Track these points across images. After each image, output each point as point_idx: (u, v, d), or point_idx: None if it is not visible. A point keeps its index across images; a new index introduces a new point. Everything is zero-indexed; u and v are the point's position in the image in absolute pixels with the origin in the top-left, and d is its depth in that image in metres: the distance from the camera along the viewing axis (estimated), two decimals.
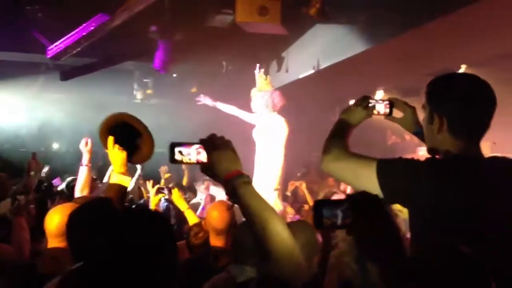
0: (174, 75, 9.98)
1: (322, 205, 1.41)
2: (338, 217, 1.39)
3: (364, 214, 1.39)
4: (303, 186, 6.85)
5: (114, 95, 10.51)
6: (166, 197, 5.78)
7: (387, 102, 2.23)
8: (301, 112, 8.72)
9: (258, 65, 6.12)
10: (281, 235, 1.43)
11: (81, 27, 6.86)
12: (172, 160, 1.55)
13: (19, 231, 3.79)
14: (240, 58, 8.61)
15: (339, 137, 2.07)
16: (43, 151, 11.95)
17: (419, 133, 2.19)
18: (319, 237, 2.42)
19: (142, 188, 6.96)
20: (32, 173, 5.61)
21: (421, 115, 2.01)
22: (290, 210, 6.02)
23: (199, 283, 2.51)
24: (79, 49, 7.11)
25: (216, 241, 3.28)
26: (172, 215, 5.52)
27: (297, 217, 5.80)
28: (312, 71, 7.69)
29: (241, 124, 6.38)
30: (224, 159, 1.53)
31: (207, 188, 7.35)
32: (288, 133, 5.96)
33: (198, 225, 3.81)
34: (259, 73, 6.06)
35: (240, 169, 1.53)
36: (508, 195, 1.77)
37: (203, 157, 1.54)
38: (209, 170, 1.55)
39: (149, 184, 5.72)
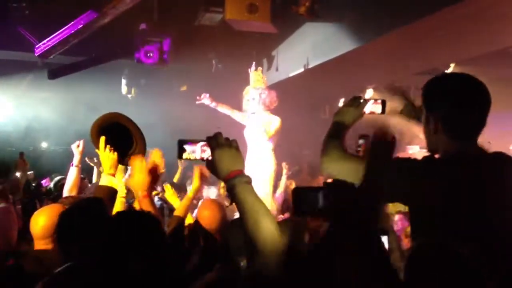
0: (164, 73, 9.93)
1: (301, 192, 1.45)
2: (315, 203, 1.44)
3: (339, 200, 1.43)
4: (292, 186, 6.84)
5: (103, 93, 10.42)
6: (160, 195, 5.72)
7: (379, 100, 2.23)
8: (291, 110, 8.71)
9: (254, 62, 6.11)
10: (270, 231, 1.46)
11: (69, 25, 6.79)
12: (180, 156, 1.60)
13: (3, 215, 3.67)
14: (229, 56, 8.59)
15: (336, 139, 2.08)
16: (31, 150, 11.85)
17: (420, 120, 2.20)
18: (307, 236, 2.41)
19: None
20: (20, 173, 5.55)
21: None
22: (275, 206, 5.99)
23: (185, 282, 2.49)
24: (67, 47, 7.04)
25: (204, 241, 3.27)
26: (166, 214, 5.47)
27: (287, 215, 5.79)
28: (302, 70, 7.69)
29: (233, 123, 6.37)
30: (227, 158, 1.56)
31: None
32: (279, 131, 5.97)
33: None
34: (254, 71, 6.05)
35: (242, 168, 1.57)
36: (505, 192, 1.78)
37: (207, 154, 1.58)
38: (212, 167, 1.58)
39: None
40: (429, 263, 1.38)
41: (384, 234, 1.81)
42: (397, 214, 5.10)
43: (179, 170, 8.42)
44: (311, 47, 7.44)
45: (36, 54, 7.37)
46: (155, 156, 2.71)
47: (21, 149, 7.58)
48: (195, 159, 1.62)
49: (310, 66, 7.50)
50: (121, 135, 2.83)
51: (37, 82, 9.49)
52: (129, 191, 3.11)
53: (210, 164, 1.59)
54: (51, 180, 6.85)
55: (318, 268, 1.45)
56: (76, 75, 8.58)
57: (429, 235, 1.71)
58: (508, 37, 5.55)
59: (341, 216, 1.43)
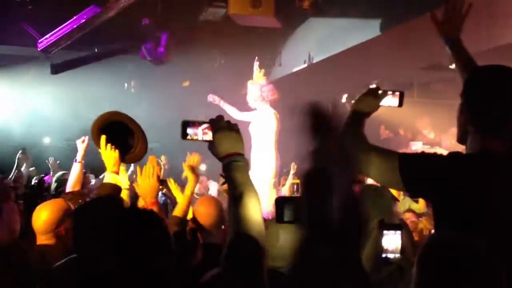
0: (167, 68, 9.92)
1: (282, 201, 1.52)
2: (296, 212, 1.50)
3: (314, 209, 1.45)
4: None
5: (106, 88, 10.41)
6: (164, 190, 5.70)
7: (397, 92, 2.20)
8: (295, 105, 8.69)
9: (256, 57, 6.09)
10: (252, 206, 1.51)
11: (72, 20, 6.78)
12: (184, 136, 1.67)
13: (10, 213, 3.71)
14: (233, 51, 8.56)
15: (357, 128, 2.05)
16: (34, 146, 11.86)
17: (449, 41, 2.26)
18: None
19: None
20: (23, 168, 5.55)
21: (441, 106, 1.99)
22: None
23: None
24: (70, 42, 7.03)
25: (207, 237, 3.25)
26: (170, 210, 5.45)
27: None
28: (305, 65, 7.66)
29: (235, 119, 6.35)
30: (227, 140, 1.61)
31: (202, 183, 7.28)
32: (279, 126, 5.96)
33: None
34: (256, 66, 6.05)
35: (241, 151, 1.61)
36: None
37: (209, 136, 1.64)
38: (212, 148, 1.63)
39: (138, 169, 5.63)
40: (444, 255, 1.37)
41: (399, 229, 1.80)
42: (407, 212, 5.10)
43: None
44: (314, 42, 7.41)
45: (38, 49, 7.36)
46: (152, 162, 2.70)
47: (24, 145, 7.59)
48: (197, 140, 1.67)
49: (313, 61, 7.47)
50: (121, 133, 2.82)
51: (40, 76, 9.49)
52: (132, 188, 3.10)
53: (211, 145, 1.64)
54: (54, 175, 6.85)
55: None
56: (78, 70, 8.58)
57: (451, 230, 1.69)
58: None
59: (316, 226, 1.45)
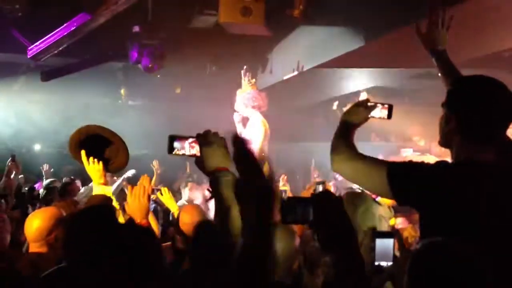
0: (158, 75, 9.91)
1: (291, 202, 1.51)
2: (304, 214, 1.48)
3: (324, 211, 1.47)
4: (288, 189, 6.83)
5: (96, 96, 10.40)
6: (154, 197, 5.70)
7: (386, 105, 2.25)
8: (285, 113, 8.72)
9: (245, 66, 6.10)
10: (238, 219, 1.50)
11: (62, 27, 6.75)
12: (170, 151, 1.67)
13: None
14: (223, 59, 8.58)
15: (346, 138, 2.09)
16: (24, 152, 11.78)
17: (434, 53, 2.35)
18: (297, 240, 2.42)
19: (126, 190, 6.86)
20: (12, 176, 5.50)
21: (432, 113, 2.02)
22: None
23: None
24: (60, 49, 7.00)
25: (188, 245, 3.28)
26: (160, 217, 5.45)
27: None
28: (296, 73, 7.69)
29: (227, 126, 6.35)
30: (215, 155, 1.62)
31: (191, 190, 7.28)
32: (266, 133, 5.98)
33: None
34: (244, 76, 6.06)
35: (228, 166, 1.62)
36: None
37: (196, 150, 1.65)
38: (199, 163, 1.65)
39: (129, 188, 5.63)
40: (433, 261, 1.38)
41: (391, 237, 1.82)
42: (399, 217, 5.11)
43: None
44: (305, 50, 7.45)
45: (28, 56, 7.33)
46: (144, 182, 2.69)
47: (13, 151, 7.54)
48: (184, 155, 1.67)
49: (304, 69, 7.51)
50: (100, 145, 2.84)
51: (30, 84, 9.45)
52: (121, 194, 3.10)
53: (198, 160, 1.65)
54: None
55: None
56: (69, 77, 8.54)
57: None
58: (500, 41, 5.59)
59: (327, 229, 1.47)
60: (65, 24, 6.71)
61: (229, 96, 6.24)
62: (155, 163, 7.95)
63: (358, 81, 8.26)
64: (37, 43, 7.11)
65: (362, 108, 2.20)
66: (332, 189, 6.32)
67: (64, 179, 6.45)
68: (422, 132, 8.12)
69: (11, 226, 3.89)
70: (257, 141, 5.91)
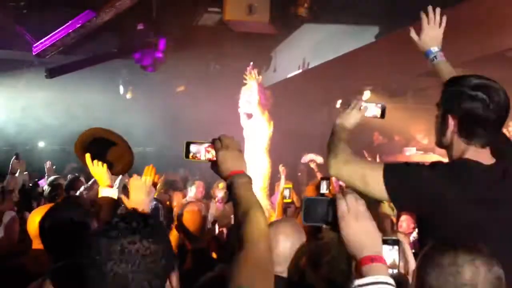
0: (161, 73, 9.93)
1: (312, 202, 1.49)
2: (325, 214, 1.47)
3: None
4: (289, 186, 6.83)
5: (100, 93, 10.41)
6: (155, 195, 5.71)
7: (379, 104, 2.27)
8: (289, 111, 8.71)
9: (251, 63, 6.12)
10: (259, 222, 1.51)
11: (67, 24, 6.77)
12: (187, 156, 1.71)
13: (10, 221, 3.81)
14: (227, 57, 8.59)
15: (342, 141, 2.09)
16: (28, 149, 11.82)
17: (430, 54, 2.34)
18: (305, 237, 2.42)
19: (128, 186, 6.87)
20: (17, 174, 5.53)
21: (435, 112, 2.01)
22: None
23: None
24: (65, 46, 7.02)
25: (193, 243, 3.32)
26: (161, 214, 5.45)
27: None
28: (300, 71, 7.69)
29: (230, 124, 6.36)
30: (230, 159, 1.64)
31: (198, 187, 7.29)
32: (271, 132, 5.99)
33: None
34: (249, 72, 6.08)
35: (244, 169, 1.64)
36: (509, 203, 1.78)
37: (211, 155, 1.69)
38: (216, 167, 1.67)
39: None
40: (442, 261, 1.39)
41: (396, 244, 1.82)
42: (402, 215, 5.10)
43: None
44: (309, 48, 7.45)
45: (34, 53, 7.35)
46: (148, 173, 2.70)
47: (17, 148, 7.58)
48: (199, 160, 1.71)
49: (308, 67, 7.51)
50: (105, 148, 2.86)
51: (34, 81, 9.46)
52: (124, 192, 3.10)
53: (214, 164, 1.67)
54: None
55: None
56: (73, 74, 8.56)
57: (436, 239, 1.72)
58: (503, 40, 5.57)
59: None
60: (70, 22, 6.73)
61: (232, 94, 6.24)
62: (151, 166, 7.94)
63: (362, 80, 8.24)
64: (42, 40, 7.13)
65: (355, 111, 2.22)
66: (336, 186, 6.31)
67: (69, 176, 6.48)
68: (426, 131, 8.09)
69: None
70: (265, 139, 5.93)
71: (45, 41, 7.10)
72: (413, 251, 4.39)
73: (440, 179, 1.78)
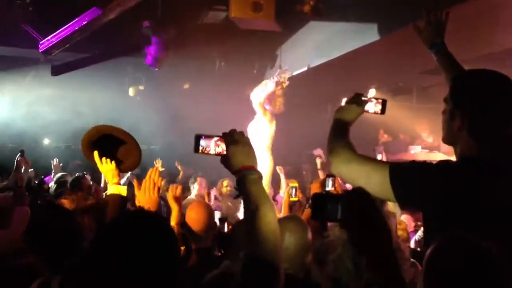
0: (167, 71, 9.94)
1: (321, 198, 1.50)
2: (334, 211, 1.48)
3: (357, 209, 1.47)
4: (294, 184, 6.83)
5: (106, 90, 10.43)
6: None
7: (380, 100, 2.23)
8: (294, 109, 8.72)
9: (282, 67, 6.17)
10: (269, 219, 1.50)
11: (73, 22, 6.79)
12: (196, 150, 1.68)
13: (22, 217, 3.80)
14: (233, 54, 8.59)
15: (343, 138, 2.04)
16: (33, 147, 11.87)
17: (433, 47, 2.37)
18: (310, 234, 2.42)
19: (133, 183, 6.89)
20: (22, 171, 5.55)
21: (442, 107, 1.97)
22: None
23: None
24: (71, 43, 7.04)
25: (197, 242, 3.30)
26: (163, 211, 5.47)
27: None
28: (305, 68, 7.69)
29: (235, 123, 6.37)
30: (240, 153, 1.63)
31: (201, 184, 7.31)
32: (273, 131, 6.00)
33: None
34: (279, 74, 6.15)
35: (254, 165, 1.63)
36: None
37: (221, 149, 1.66)
38: (225, 162, 1.65)
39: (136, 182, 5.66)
40: (451, 256, 1.38)
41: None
42: (404, 214, 5.10)
43: (181, 173, 8.55)
44: (314, 46, 7.44)
45: (40, 51, 7.38)
46: (153, 174, 2.70)
47: (23, 146, 7.59)
48: (209, 154, 1.68)
49: (313, 65, 7.50)
50: (113, 145, 2.86)
51: (40, 78, 9.51)
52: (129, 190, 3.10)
53: (224, 159, 1.65)
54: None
55: None
56: (79, 72, 8.59)
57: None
58: (508, 39, 5.55)
59: (357, 225, 1.46)
60: (76, 19, 6.75)
61: (238, 91, 6.25)
62: (158, 161, 8.03)
63: (367, 77, 8.23)
64: (48, 37, 7.15)
65: (354, 105, 2.16)
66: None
67: (77, 174, 6.50)
68: (431, 129, 8.07)
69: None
70: (267, 137, 5.94)
71: (51, 38, 7.13)
72: (418, 249, 4.40)
73: (449, 178, 1.74)
